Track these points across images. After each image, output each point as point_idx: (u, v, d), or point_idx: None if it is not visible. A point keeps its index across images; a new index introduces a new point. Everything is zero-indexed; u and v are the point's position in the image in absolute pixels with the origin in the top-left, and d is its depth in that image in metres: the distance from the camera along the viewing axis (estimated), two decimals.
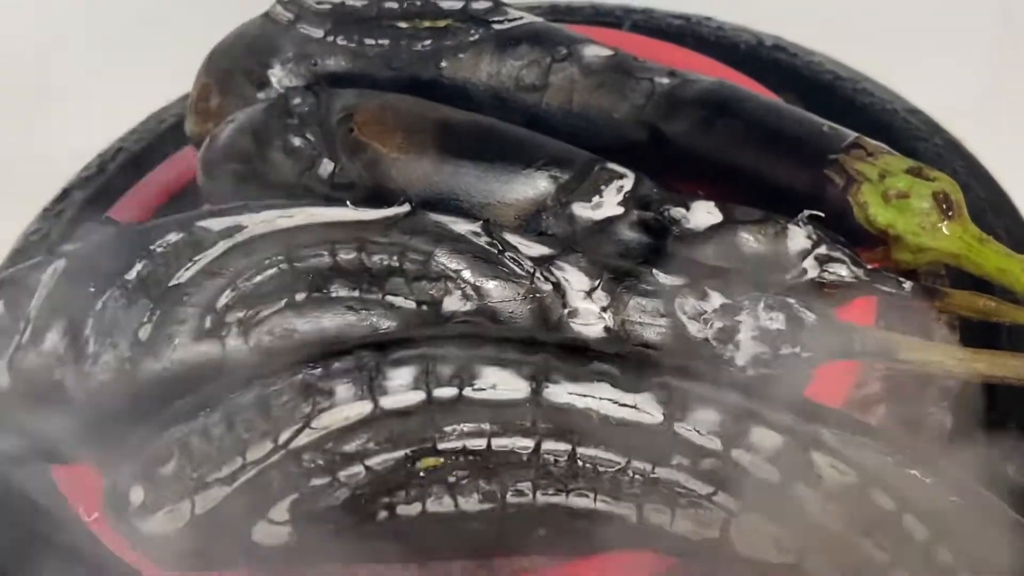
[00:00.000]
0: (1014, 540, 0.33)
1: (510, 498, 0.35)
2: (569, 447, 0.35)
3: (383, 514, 0.35)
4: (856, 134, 0.43)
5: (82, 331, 0.38)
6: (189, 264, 0.39)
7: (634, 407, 0.35)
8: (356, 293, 0.39)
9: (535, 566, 0.39)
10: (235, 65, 0.49)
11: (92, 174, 0.56)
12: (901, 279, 0.40)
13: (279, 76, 0.49)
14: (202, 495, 0.35)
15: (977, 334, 0.45)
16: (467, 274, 0.39)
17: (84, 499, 0.40)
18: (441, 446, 0.35)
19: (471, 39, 0.48)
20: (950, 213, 0.40)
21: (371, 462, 0.35)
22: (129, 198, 0.52)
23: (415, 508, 0.35)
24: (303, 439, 0.35)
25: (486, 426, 0.35)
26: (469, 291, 0.39)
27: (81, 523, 0.40)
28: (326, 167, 0.44)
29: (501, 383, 0.35)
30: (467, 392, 0.35)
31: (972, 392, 0.43)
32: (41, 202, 0.55)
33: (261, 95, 0.48)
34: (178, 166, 0.53)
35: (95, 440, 0.39)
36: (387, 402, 0.35)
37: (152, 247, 0.39)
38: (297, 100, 0.45)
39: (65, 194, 0.55)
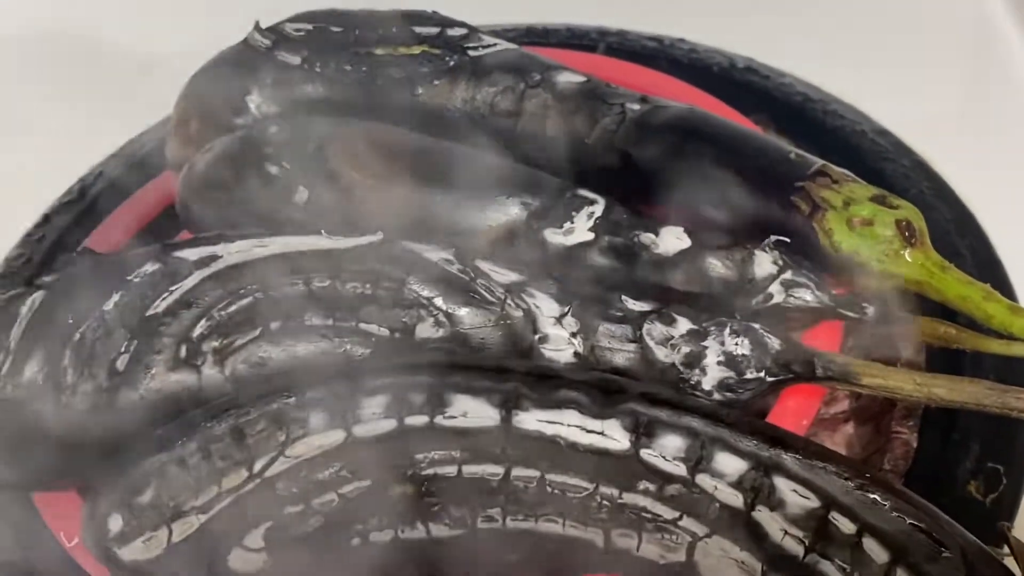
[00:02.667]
0: (971, 563, 0.33)
1: (480, 524, 0.35)
2: (538, 473, 0.35)
3: (356, 541, 0.35)
4: (822, 162, 0.43)
5: (60, 362, 0.38)
6: (165, 294, 0.39)
7: (601, 433, 0.35)
8: (330, 321, 0.40)
9: None
10: (214, 91, 0.50)
11: (73, 199, 0.57)
12: (864, 304, 0.41)
13: (257, 102, 0.49)
14: (179, 523, 0.35)
15: (944, 356, 0.46)
16: (439, 301, 0.40)
17: (65, 525, 0.41)
18: (412, 473, 0.35)
19: (446, 66, 0.49)
20: (913, 240, 0.41)
21: (344, 490, 0.35)
22: (110, 223, 0.53)
23: (387, 535, 0.35)
24: (277, 467, 0.35)
25: (457, 453, 0.36)
26: (441, 318, 0.40)
27: (62, 549, 0.40)
28: (301, 195, 0.44)
29: (472, 411, 0.36)
30: (438, 420, 0.36)
31: (937, 413, 0.44)
32: (22, 227, 0.55)
33: (239, 121, 0.49)
34: (158, 191, 0.53)
35: (74, 469, 0.39)
36: (360, 430, 0.36)
37: (129, 277, 0.40)
38: (273, 128, 0.46)
39: (46, 219, 0.56)
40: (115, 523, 0.36)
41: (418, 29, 0.50)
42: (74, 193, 0.57)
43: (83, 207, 0.55)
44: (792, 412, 0.41)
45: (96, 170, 0.57)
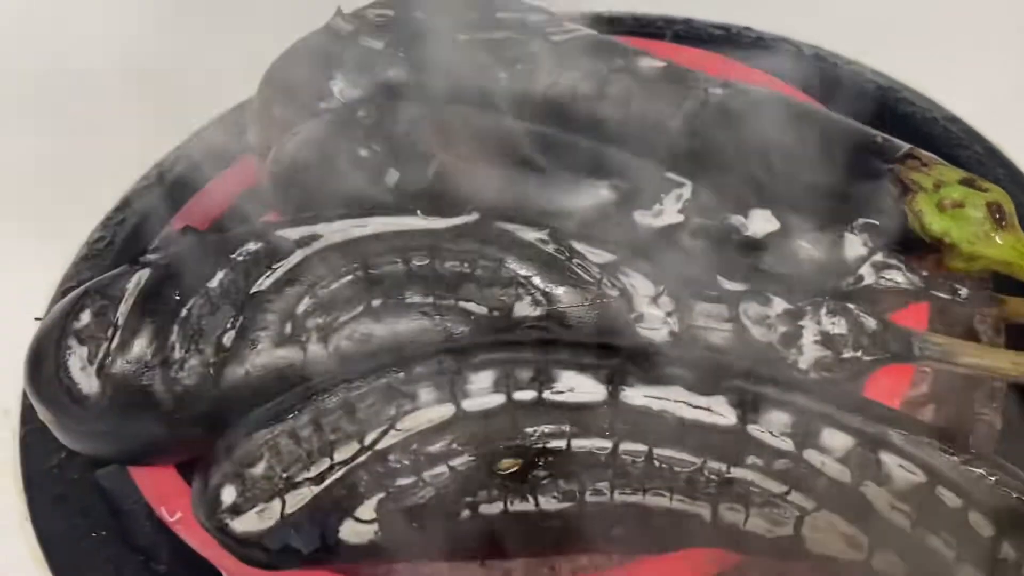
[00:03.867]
0: None
1: (589, 497, 0.36)
2: (646, 448, 0.36)
3: (466, 512, 0.36)
4: (910, 145, 0.44)
5: (168, 337, 0.39)
6: (268, 272, 0.40)
7: (707, 409, 0.36)
8: (430, 299, 0.40)
9: (594, 565, 0.40)
10: (297, 76, 0.51)
11: (151, 183, 0.57)
12: (957, 286, 0.41)
13: (340, 87, 0.50)
14: (292, 494, 0.36)
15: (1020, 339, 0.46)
16: (537, 280, 0.41)
17: (165, 501, 0.41)
18: (521, 447, 0.36)
19: (529, 51, 0.50)
20: (1003, 223, 0.41)
21: (454, 462, 0.36)
22: (190, 207, 0.53)
23: (497, 507, 0.36)
24: (389, 440, 0.36)
25: (565, 427, 0.36)
26: (539, 297, 0.40)
27: (163, 525, 0.41)
28: (392, 177, 0.45)
29: (579, 386, 0.36)
30: (546, 395, 0.36)
31: (1021, 394, 0.45)
32: (103, 210, 0.56)
33: (323, 105, 0.50)
34: (238, 175, 0.54)
35: (181, 443, 0.40)
36: (469, 405, 0.36)
37: (233, 256, 0.40)
38: (362, 112, 0.47)
39: (126, 203, 0.56)
40: (228, 495, 0.36)
41: (500, 15, 0.51)
42: (152, 177, 0.57)
43: (162, 191, 0.56)
44: (882, 392, 0.41)
45: (174, 154, 0.58)
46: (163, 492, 0.42)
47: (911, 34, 0.63)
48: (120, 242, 0.54)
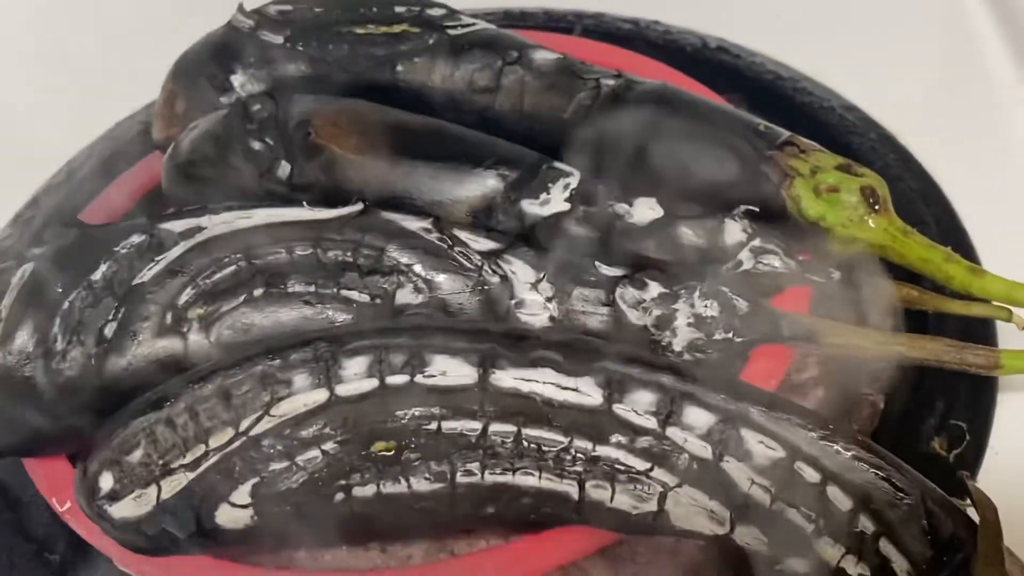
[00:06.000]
0: (930, 508, 0.35)
1: (460, 478, 0.37)
2: (515, 428, 0.37)
3: (340, 496, 0.37)
4: (790, 133, 0.45)
5: (50, 330, 0.39)
6: (151, 264, 0.41)
7: (575, 390, 0.37)
8: (312, 288, 0.41)
9: (490, 547, 0.41)
10: (199, 72, 0.51)
11: (61, 181, 0.58)
12: (830, 269, 0.42)
13: (241, 81, 0.50)
14: (168, 480, 0.36)
15: (910, 320, 0.47)
16: (418, 268, 0.41)
17: (56, 490, 0.42)
18: (394, 430, 0.37)
19: (426, 44, 0.50)
20: (876, 207, 0.42)
21: (327, 446, 0.37)
22: (97, 204, 0.54)
23: (370, 490, 0.37)
24: (263, 426, 0.36)
25: (436, 410, 0.37)
26: (420, 284, 0.41)
27: (54, 513, 0.42)
28: (284, 169, 0.45)
29: (450, 370, 0.37)
30: (418, 379, 0.37)
31: (903, 375, 0.46)
32: (11, 209, 0.56)
33: (224, 100, 0.50)
34: (145, 171, 0.54)
35: (65, 434, 0.41)
36: (342, 390, 0.37)
37: (116, 248, 0.41)
38: (256, 106, 0.47)
39: (35, 201, 0.57)
40: (106, 481, 0.37)
41: (398, 8, 0.51)
42: (62, 175, 0.58)
43: (71, 188, 0.56)
44: (761, 374, 0.42)
45: (84, 152, 0.58)
46: (55, 482, 0.42)
47: (817, 29, 0.64)
48: (27, 240, 0.54)
